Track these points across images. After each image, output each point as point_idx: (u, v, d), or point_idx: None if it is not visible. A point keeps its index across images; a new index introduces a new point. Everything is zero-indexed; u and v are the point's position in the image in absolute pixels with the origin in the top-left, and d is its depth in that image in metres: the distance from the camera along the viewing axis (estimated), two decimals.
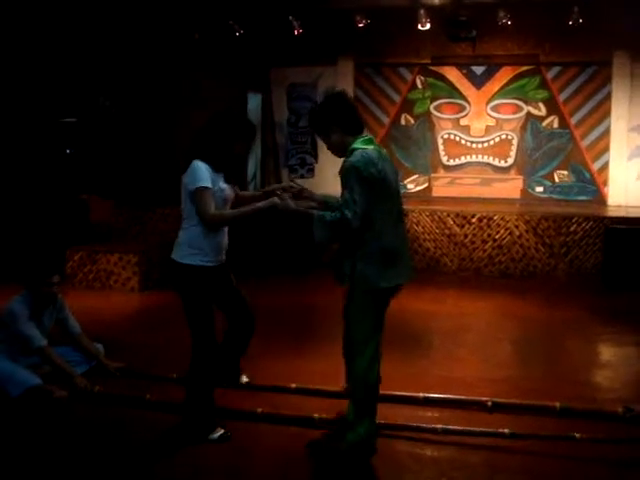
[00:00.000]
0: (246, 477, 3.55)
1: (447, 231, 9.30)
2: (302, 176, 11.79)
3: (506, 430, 3.83)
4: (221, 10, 10.45)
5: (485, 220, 9.18)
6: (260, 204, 3.80)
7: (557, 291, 8.27)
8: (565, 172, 11.05)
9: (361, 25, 10.56)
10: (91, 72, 10.77)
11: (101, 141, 11.39)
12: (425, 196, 11.46)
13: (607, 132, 10.79)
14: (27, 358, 4.60)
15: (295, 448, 3.75)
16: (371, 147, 3.58)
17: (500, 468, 3.59)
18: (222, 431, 3.83)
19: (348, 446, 3.60)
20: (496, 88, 11.26)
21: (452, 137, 11.51)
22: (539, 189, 11.15)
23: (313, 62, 11.60)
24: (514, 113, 11.23)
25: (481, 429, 3.89)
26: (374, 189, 3.45)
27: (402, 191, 4.21)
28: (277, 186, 4.03)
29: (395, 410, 4.15)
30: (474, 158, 11.44)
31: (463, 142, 11.47)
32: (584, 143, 10.95)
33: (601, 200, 10.82)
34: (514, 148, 11.26)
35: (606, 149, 10.83)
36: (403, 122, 11.66)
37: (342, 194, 3.49)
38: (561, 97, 11.01)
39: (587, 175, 10.97)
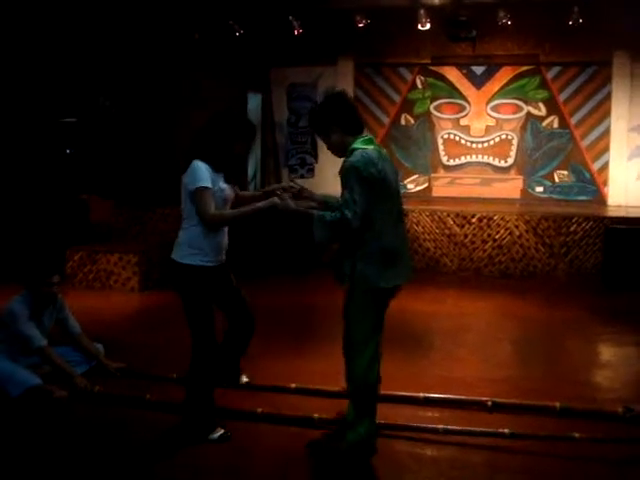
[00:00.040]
0: (246, 477, 3.55)
1: (447, 231, 9.30)
2: (302, 176, 11.79)
3: (506, 430, 3.83)
4: (221, 10, 10.45)
5: (485, 220, 9.18)
6: (260, 204, 3.80)
7: (557, 291, 8.27)
8: (565, 172, 11.06)
9: (361, 25, 10.57)
10: (91, 72, 10.77)
11: (101, 141, 11.40)
12: (425, 196, 11.46)
13: (607, 132, 10.79)
14: (27, 358, 4.60)
15: (295, 448, 3.75)
16: (371, 147, 3.58)
17: (500, 468, 3.59)
18: (222, 431, 3.83)
19: (348, 446, 3.60)
20: (496, 88, 11.26)
21: (452, 137, 11.51)
22: (539, 189, 11.15)
23: (313, 62, 11.60)
24: (514, 113, 11.23)
25: (481, 429, 3.89)
26: (374, 189, 3.45)
27: (402, 191, 4.21)
28: (277, 186, 4.03)
29: (395, 410, 4.15)
30: (474, 158, 11.44)
31: (463, 142, 11.47)
32: (584, 143, 10.95)
33: (601, 200, 10.82)
34: (514, 148, 11.26)
35: (606, 149, 10.83)
36: (403, 122, 11.66)
37: (342, 194, 3.49)
38: (561, 97, 11.01)
39: (587, 175, 10.98)
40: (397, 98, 11.66)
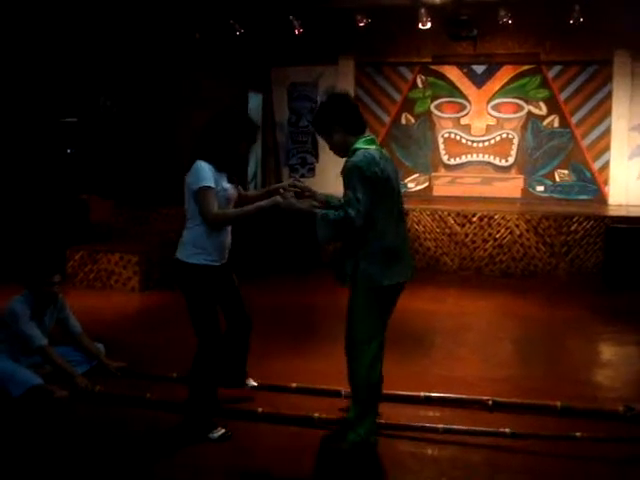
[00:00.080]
0: (246, 477, 3.55)
1: (448, 230, 9.30)
2: (303, 176, 11.78)
3: (507, 430, 3.83)
4: (221, 10, 10.45)
5: (486, 219, 9.18)
6: (262, 203, 3.81)
7: (558, 290, 8.27)
8: (566, 171, 11.05)
9: (362, 24, 10.57)
10: (92, 72, 10.77)
11: (102, 141, 11.40)
12: (426, 195, 11.46)
13: (608, 131, 10.78)
14: (28, 358, 4.60)
15: (295, 448, 3.75)
16: (373, 147, 3.61)
17: (501, 467, 3.59)
18: (222, 431, 3.83)
19: (349, 446, 3.60)
20: (497, 87, 11.25)
21: (453, 136, 11.50)
22: (540, 188, 11.15)
23: (314, 61, 11.60)
24: (515, 112, 11.22)
25: (482, 429, 3.89)
26: (376, 189, 3.46)
27: (403, 190, 4.22)
28: (280, 185, 4.04)
29: (396, 409, 4.15)
30: (475, 157, 11.44)
31: (464, 141, 11.46)
32: (585, 142, 10.94)
33: (602, 199, 10.81)
34: (515, 147, 11.26)
35: (607, 148, 10.82)
36: (404, 121, 11.66)
37: (345, 193, 3.50)
38: (562, 96, 11.00)
39: (588, 174, 10.97)
40: (398, 97, 11.65)
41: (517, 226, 9.06)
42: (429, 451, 3.77)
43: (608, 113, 10.75)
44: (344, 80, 11.58)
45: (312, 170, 11.97)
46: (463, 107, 11.42)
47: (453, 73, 11.41)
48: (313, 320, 7.10)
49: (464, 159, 11.47)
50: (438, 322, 6.77)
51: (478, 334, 6.40)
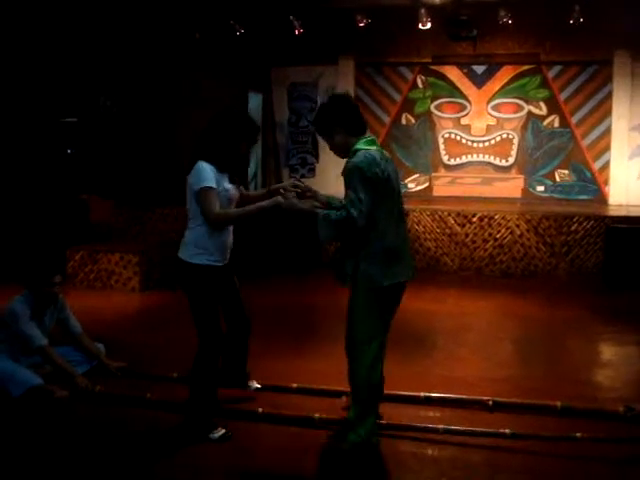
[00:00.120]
0: (246, 477, 3.55)
1: (448, 230, 9.30)
2: (303, 176, 11.78)
3: (507, 430, 3.83)
4: (222, 10, 10.45)
5: (486, 219, 9.18)
6: (264, 203, 3.82)
7: (558, 290, 8.27)
8: (566, 171, 11.05)
9: (362, 24, 10.57)
10: (92, 72, 10.76)
11: (102, 141, 11.39)
12: (426, 195, 11.46)
13: (608, 131, 10.79)
14: (28, 358, 4.60)
15: (296, 448, 3.75)
16: (374, 148, 3.61)
17: (501, 467, 3.59)
18: (223, 431, 3.83)
19: (349, 446, 3.60)
20: (497, 87, 11.26)
21: (453, 136, 11.51)
22: (540, 188, 11.15)
23: (314, 61, 11.60)
24: (515, 112, 11.22)
25: (482, 429, 3.89)
26: (377, 189, 3.47)
27: (403, 190, 4.22)
28: (281, 185, 4.04)
29: (396, 410, 4.15)
30: (475, 157, 11.44)
31: (464, 141, 11.46)
32: (585, 142, 10.94)
33: (602, 199, 10.82)
34: (515, 147, 11.26)
35: (607, 148, 10.83)
36: (404, 121, 11.66)
37: (346, 194, 3.50)
38: (562, 96, 11.01)
39: (588, 174, 10.97)
40: (398, 97, 11.66)
41: (517, 226, 9.06)
42: (429, 451, 3.77)
43: (608, 113, 10.76)
44: (344, 80, 11.58)
45: (312, 170, 11.97)
46: (463, 107, 11.42)
47: (453, 73, 11.41)
48: (314, 320, 7.10)
49: (464, 159, 11.47)
50: (438, 322, 6.77)
51: (478, 334, 6.40)
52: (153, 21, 10.31)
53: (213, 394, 3.94)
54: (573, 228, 8.87)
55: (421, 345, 5.85)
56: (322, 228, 3.50)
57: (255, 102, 11.91)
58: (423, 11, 10.27)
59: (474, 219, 9.22)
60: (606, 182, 10.85)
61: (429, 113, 11.56)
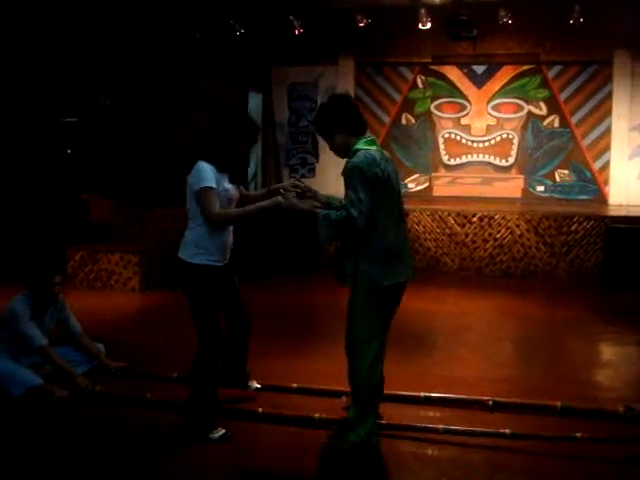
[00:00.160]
0: (246, 477, 3.55)
1: (448, 230, 9.30)
2: (303, 176, 11.79)
3: (507, 430, 3.82)
4: (222, 9, 10.45)
5: (486, 219, 9.18)
6: (264, 203, 3.83)
7: (558, 290, 8.27)
8: (566, 171, 11.06)
9: (362, 24, 10.57)
10: (92, 72, 10.77)
11: (102, 141, 11.40)
12: (426, 195, 11.46)
13: (608, 131, 10.79)
14: (28, 358, 4.60)
15: (296, 448, 3.75)
16: (374, 148, 3.62)
17: (501, 467, 3.59)
18: (223, 431, 3.83)
19: (349, 446, 3.60)
20: (497, 87, 11.26)
21: (453, 136, 11.51)
22: (540, 188, 11.15)
23: (314, 61, 11.60)
24: (515, 112, 11.23)
25: (482, 430, 3.88)
26: (377, 189, 3.48)
27: (403, 190, 4.22)
28: (282, 185, 4.05)
29: (396, 410, 4.14)
30: (475, 157, 11.44)
31: (464, 141, 11.46)
32: (585, 142, 10.95)
33: (602, 199, 10.82)
34: (515, 147, 11.26)
35: (607, 148, 10.83)
36: (404, 121, 11.66)
37: (346, 194, 3.50)
38: (562, 96, 11.01)
39: (588, 174, 10.97)
40: (398, 97, 11.66)
41: (517, 226, 9.06)
42: (429, 451, 3.77)
43: (608, 113, 10.76)
44: (344, 80, 11.59)
45: (312, 170, 11.97)
46: (463, 107, 11.42)
47: (453, 73, 11.41)
48: (314, 320, 7.10)
49: (464, 159, 11.47)
50: (438, 322, 6.77)
51: (478, 334, 6.40)
52: (153, 21, 10.31)
53: (213, 394, 3.94)
54: (573, 228, 8.87)
55: (421, 345, 5.85)
56: (322, 228, 3.50)
57: (255, 102, 11.91)
58: (423, 11, 10.27)
59: (474, 219, 9.22)
60: (606, 182, 10.85)
61: (429, 113, 11.56)
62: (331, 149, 3.78)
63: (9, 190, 10.00)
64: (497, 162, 11.34)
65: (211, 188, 3.74)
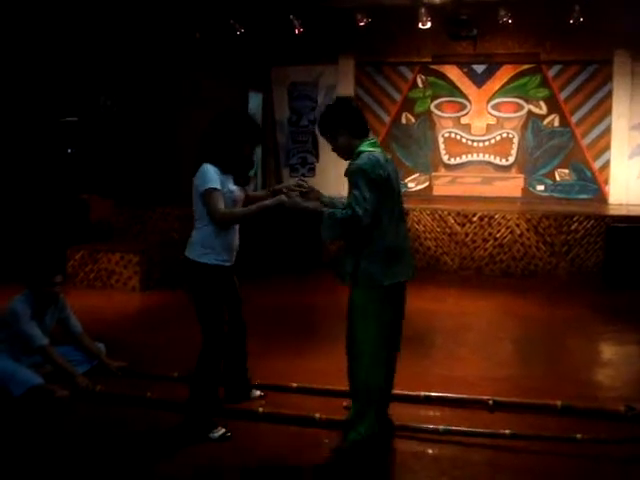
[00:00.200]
0: (246, 477, 3.55)
1: (448, 230, 9.30)
2: (304, 175, 11.77)
3: (507, 431, 3.82)
4: (222, 9, 10.44)
5: (486, 219, 9.18)
6: (267, 202, 3.87)
7: (558, 290, 8.27)
8: (566, 170, 11.06)
9: (362, 24, 10.57)
10: (92, 71, 10.76)
11: (102, 140, 11.39)
12: (426, 195, 11.46)
13: (608, 130, 10.79)
14: (29, 357, 4.60)
15: (296, 447, 3.76)
16: (377, 150, 3.67)
17: (502, 467, 3.59)
18: (223, 430, 3.84)
19: (349, 445, 3.60)
20: (497, 87, 11.26)
21: (453, 136, 11.51)
22: (540, 188, 11.15)
23: (314, 61, 11.60)
24: (515, 112, 11.22)
25: (482, 430, 3.88)
26: (381, 190, 3.53)
27: (403, 190, 4.23)
28: (285, 185, 4.08)
29: (396, 409, 4.14)
30: (475, 157, 11.44)
31: (464, 141, 11.46)
32: (585, 141, 10.94)
33: (602, 198, 10.82)
34: (515, 147, 11.26)
35: (607, 147, 10.83)
36: (404, 121, 11.66)
37: (349, 194, 3.53)
38: (562, 95, 11.01)
39: (588, 173, 10.97)
40: (398, 97, 11.66)
41: (517, 225, 9.06)
42: (430, 450, 3.77)
43: (608, 112, 10.76)
44: (344, 79, 11.59)
45: (312, 170, 11.97)
46: (463, 107, 11.42)
47: (453, 73, 11.41)
48: (314, 320, 7.10)
49: (464, 159, 11.47)
50: (438, 322, 6.77)
51: (478, 334, 6.40)
52: (153, 21, 10.30)
53: (215, 394, 3.95)
54: (573, 227, 8.87)
55: (421, 344, 5.84)
56: (327, 226, 3.54)
57: (255, 102, 11.91)
58: (423, 10, 10.27)
59: (474, 218, 9.22)
60: (606, 181, 10.85)
61: (429, 112, 11.56)
62: (334, 150, 3.82)
63: (9, 190, 10.00)
64: (497, 161, 11.34)
65: (216, 189, 3.79)
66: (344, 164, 3.75)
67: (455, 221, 9.28)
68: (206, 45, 10.80)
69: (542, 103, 11.09)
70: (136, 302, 7.59)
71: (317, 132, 4.08)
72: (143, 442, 3.85)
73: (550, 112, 11.05)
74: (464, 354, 5.60)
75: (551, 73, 11.04)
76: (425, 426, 3.95)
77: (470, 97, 11.36)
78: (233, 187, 3.93)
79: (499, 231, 9.12)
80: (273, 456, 3.70)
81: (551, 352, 5.73)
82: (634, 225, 8.42)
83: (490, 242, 9.15)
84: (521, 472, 3.57)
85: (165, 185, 10.18)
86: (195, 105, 10.23)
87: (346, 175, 3.60)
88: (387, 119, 11.66)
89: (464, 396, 4.40)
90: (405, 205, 3.87)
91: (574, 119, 10.95)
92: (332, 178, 10.10)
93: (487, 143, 11.36)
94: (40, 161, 10.70)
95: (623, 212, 9.45)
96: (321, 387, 4.50)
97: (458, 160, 11.49)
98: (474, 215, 9.23)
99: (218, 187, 3.80)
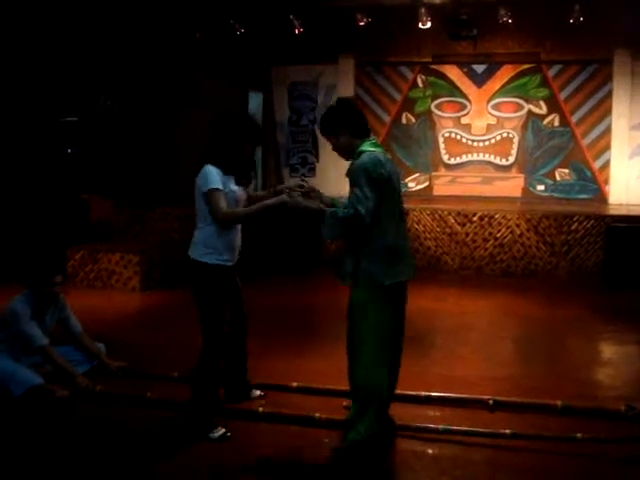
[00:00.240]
0: (246, 477, 3.55)
1: (448, 230, 9.30)
2: (304, 175, 11.79)
3: (507, 430, 3.82)
4: (222, 9, 10.44)
5: (486, 219, 9.18)
6: (269, 201, 3.88)
7: (558, 289, 8.27)
8: (566, 170, 11.05)
9: (362, 23, 10.57)
10: (92, 71, 10.76)
11: (102, 141, 11.39)
12: (426, 195, 11.46)
13: (608, 130, 10.79)
14: (29, 357, 4.60)
15: (296, 447, 3.75)
16: (378, 150, 3.68)
17: (502, 466, 3.59)
18: (223, 430, 3.84)
19: (349, 445, 3.60)
20: (497, 86, 11.26)
21: (453, 136, 11.51)
22: (540, 187, 11.15)
23: (314, 60, 11.60)
24: (515, 111, 11.22)
25: (482, 430, 3.88)
26: (382, 189, 3.54)
27: (403, 190, 4.24)
28: (287, 185, 4.09)
29: (397, 409, 4.14)
30: (475, 157, 11.44)
31: (464, 141, 11.46)
32: (585, 141, 10.94)
33: (602, 198, 10.82)
34: (515, 146, 11.26)
35: (607, 147, 10.83)
36: (404, 121, 11.66)
37: (351, 193, 3.53)
38: (562, 95, 11.01)
39: (588, 173, 10.97)
40: (398, 97, 11.66)
41: (517, 225, 9.06)
42: (430, 450, 3.77)
43: (608, 112, 10.76)
44: (344, 79, 11.59)
45: (313, 170, 11.97)
46: (463, 106, 11.42)
47: (453, 72, 11.41)
48: (314, 320, 7.10)
49: (464, 158, 11.47)
50: (439, 321, 6.77)
51: (479, 333, 6.40)
52: (153, 21, 10.30)
53: (215, 393, 3.95)
54: (573, 227, 8.87)
55: (421, 344, 5.84)
56: (329, 225, 3.55)
57: (255, 101, 11.91)
58: (423, 10, 10.27)
59: (474, 218, 9.22)
60: (606, 181, 10.85)
61: (429, 112, 11.56)
62: (334, 149, 3.83)
63: (9, 190, 10.00)
64: (497, 161, 11.34)
65: (218, 189, 3.81)
66: (344, 164, 3.76)
67: (455, 221, 9.28)
68: (206, 45, 10.80)
69: (542, 103, 11.09)
70: (136, 302, 7.59)
71: (318, 132, 4.08)
72: (143, 442, 3.85)
73: (550, 112, 11.05)
74: (464, 354, 5.60)
75: (551, 73, 11.04)
76: (425, 425, 3.95)
77: (470, 97, 11.37)
78: (235, 187, 3.95)
79: (499, 231, 9.12)
80: (273, 456, 3.70)
81: (551, 352, 5.73)
82: (634, 225, 8.42)
83: (490, 242, 9.15)
84: (521, 471, 3.57)
85: (165, 185, 10.19)
86: (195, 105, 10.23)
87: (347, 175, 3.62)
88: (387, 119, 11.66)
89: (464, 396, 4.39)
90: (405, 205, 3.88)
91: (574, 119, 10.95)
92: (332, 178, 10.11)
93: (487, 143, 11.36)
94: (40, 161, 10.70)
95: (623, 212, 9.46)
96: (321, 387, 4.50)
97: (458, 160, 11.50)
98: (474, 215, 9.23)
99: (220, 187, 3.82)
